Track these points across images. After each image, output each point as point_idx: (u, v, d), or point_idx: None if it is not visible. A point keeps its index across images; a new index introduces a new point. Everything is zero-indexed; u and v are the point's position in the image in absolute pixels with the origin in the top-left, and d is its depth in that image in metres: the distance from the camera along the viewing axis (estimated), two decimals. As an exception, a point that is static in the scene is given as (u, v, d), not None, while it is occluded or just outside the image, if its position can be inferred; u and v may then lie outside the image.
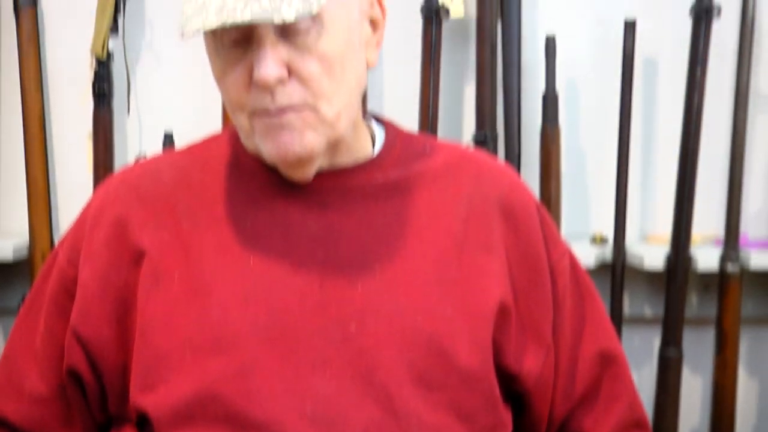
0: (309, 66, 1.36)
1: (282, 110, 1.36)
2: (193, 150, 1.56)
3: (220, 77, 1.40)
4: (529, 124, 2.64)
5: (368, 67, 1.47)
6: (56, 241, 2.64)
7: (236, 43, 1.36)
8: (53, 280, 1.55)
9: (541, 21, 2.66)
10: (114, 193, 1.52)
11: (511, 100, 2.59)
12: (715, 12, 2.51)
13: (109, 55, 2.56)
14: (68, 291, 1.52)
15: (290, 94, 1.36)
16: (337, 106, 1.39)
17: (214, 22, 1.28)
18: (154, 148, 2.58)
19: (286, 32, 1.35)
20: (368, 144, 1.53)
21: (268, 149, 1.40)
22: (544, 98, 2.58)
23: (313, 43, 1.36)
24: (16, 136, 2.64)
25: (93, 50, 2.53)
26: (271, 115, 1.37)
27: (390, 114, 2.63)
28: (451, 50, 2.66)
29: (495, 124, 2.59)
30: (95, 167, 2.59)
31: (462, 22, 2.64)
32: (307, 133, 1.38)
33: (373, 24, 1.47)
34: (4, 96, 2.69)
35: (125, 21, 2.59)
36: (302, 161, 1.41)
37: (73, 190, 2.69)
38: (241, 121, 1.41)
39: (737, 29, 2.56)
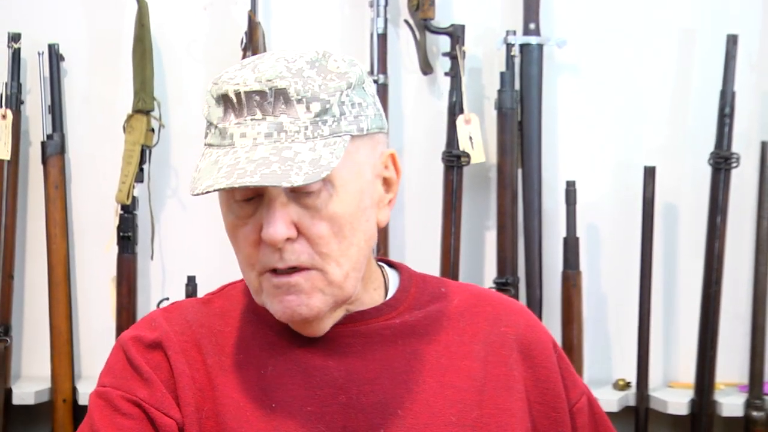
0: (318, 227, 1.37)
1: (290, 270, 1.38)
2: (213, 301, 1.56)
3: (232, 232, 1.42)
4: (550, 268, 2.65)
5: (379, 226, 1.48)
6: (78, 386, 2.64)
7: (248, 200, 1.39)
8: None
9: (561, 167, 2.69)
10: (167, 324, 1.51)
11: (532, 245, 2.61)
12: (733, 161, 2.53)
13: (134, 201, 2.60)
14: None
15: (298, 253, 1.37)
16: (345, 268, 1.41)
17: (223, 182, 1.30)
18: (177, 292, 2.59)
19: (296, 193, 1.37)
20: (380, 290, 1.54)
21: (275, 309, 1.41)
22: (565, 243, 2.60)
23: (323, 205, 1.37)
24: (41, 282, 2.66)
25: (118, 198, 2.56)
26: (279, 275, 1.39)
27: (412, 259, 2.66)
28: (473, 196, 2.68)
29: (516, 269, 2.60)
30: (118, 312, 2.61)
31: (483, 169, 2.68)
32: (314, 296, 1.39)
33: (387, 184, 1.49)
34: (30, 243, 2.72)
35: (150, 168, 2.63)
36: (309, 322, 1.42)
37: (96, 335, 2.71)
38: (251, 278, 1.42)
39: (756, 176, 2.58)
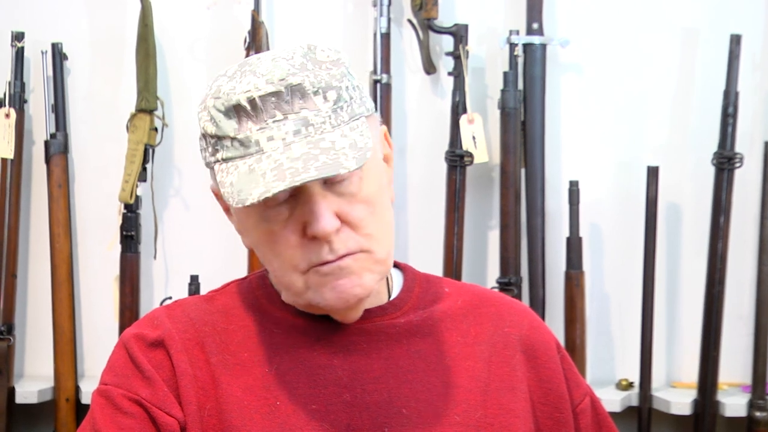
0: (357, 211, 1.38)
1: (340, 257, 1.39)
2: (216, 298, 1.56)
3: (269, 239, 1.40)
4: (553, 268, 2.65)
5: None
6: (81, 385, 2.64)
7: (281, 203, 1.38)
8: None
9: (564, 166, 2.69)
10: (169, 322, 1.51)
11: (534, 244, 2.60)
12: (737, 161, 2.52)
13: (137, 201, 2.60)
14: None
15: (345, 241, 1.37)
16: (386, 245, 1.42)
17: (280, 185, 1.29)
18: (180, 292, 2.59)
19: (330, 183, 1.37)
20: (384, 289, 1.54)
21: (327, 298, 1.40)
22: (568, 243, 2.60)
23: (357, 189, 1.38)
24: (44, 281, 2.67)
25: (121, 197, 2.56)
26: (327, 263, 1.39)
27: (414, 258, 2.65)
28: (475, 196, 2.68)
29: (519, 269, 2.60)
30: (121, 311, 2.61)
31: (486, 168, 2.67)
32: (364, 275, 1.40)
33: (386, 160, 1.50)
34: (33, 242, 2.72)
35: (154, 167, 2.63)
36: (362, 302, 1.43)
37: (99, 334, 2.70)
38: (293, 280, 1.41)
39: (760, 177, 2.58)
